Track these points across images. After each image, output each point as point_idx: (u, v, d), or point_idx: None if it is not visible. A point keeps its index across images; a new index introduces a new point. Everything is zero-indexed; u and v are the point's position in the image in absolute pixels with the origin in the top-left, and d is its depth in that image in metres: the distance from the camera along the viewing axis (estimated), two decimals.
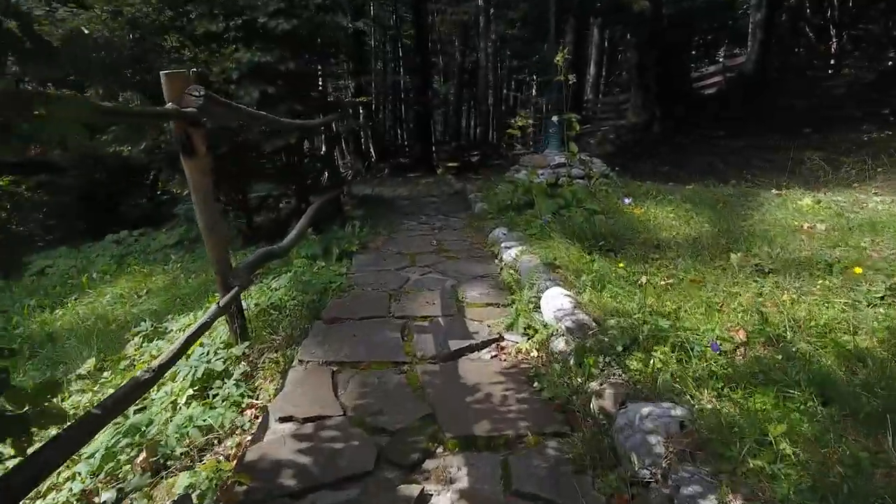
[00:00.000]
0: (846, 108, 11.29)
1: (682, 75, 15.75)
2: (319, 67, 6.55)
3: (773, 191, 4.51)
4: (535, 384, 2.24)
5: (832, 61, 18.16)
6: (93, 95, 5.04)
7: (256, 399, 2.34)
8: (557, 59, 4.59)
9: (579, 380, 2.13)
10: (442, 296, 3.34)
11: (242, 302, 3.27)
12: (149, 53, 4.75)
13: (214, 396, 2.30)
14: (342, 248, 4.42)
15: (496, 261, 4.19)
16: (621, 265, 3.19)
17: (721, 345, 2.13)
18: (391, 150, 20.60)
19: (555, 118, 6.09)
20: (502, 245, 4.19)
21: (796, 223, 3.87)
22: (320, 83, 6.38)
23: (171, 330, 3.37)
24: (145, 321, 3.40)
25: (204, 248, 6.25)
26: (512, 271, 3.75)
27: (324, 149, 6.71)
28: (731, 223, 3.88)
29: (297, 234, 3.67)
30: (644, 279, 3.07)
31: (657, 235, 4.02)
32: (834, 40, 18.76)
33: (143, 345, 3.20)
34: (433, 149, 18.14)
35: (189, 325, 3.14)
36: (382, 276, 3.86)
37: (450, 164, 18.62)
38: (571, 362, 2.25)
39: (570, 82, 4.71)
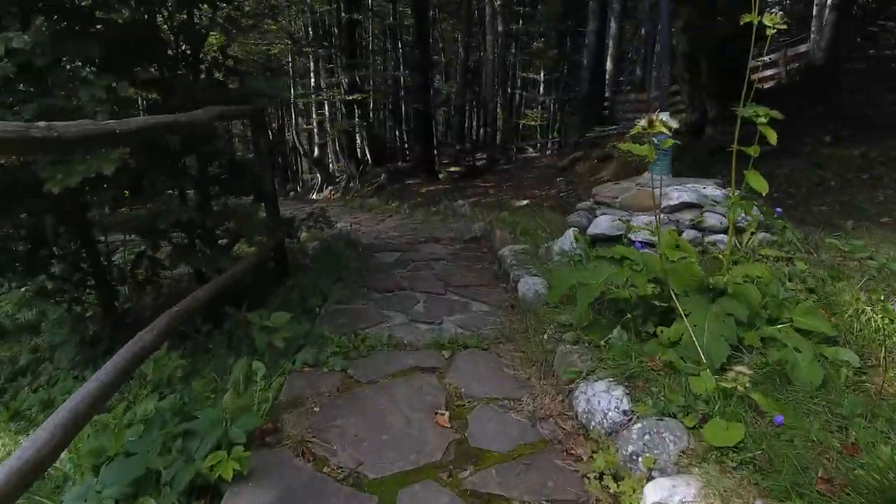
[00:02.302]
0: None
1: (741, 67, 12.86)
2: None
3: None
4: None
5: None
6: None
7: None
8: None
9: None
10: None
11: None
12: None
13: None
14: (199, 470, 1.61)
15: None
16: None
17: None
18: (389, 153, 18.89)
19: (665, 117, 3.27)
20: (649, 494, 1.39)
21: None
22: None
23: None
24: None
25: (19, 356, 3.43)
26: None
27: (250, 170, 3.91)
28: None
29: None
30: None
31: None
32: None
33: None
34: (435, 151, 16.13)
35: None
36: None
37: (453, 170, 16.24)
38: None
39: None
